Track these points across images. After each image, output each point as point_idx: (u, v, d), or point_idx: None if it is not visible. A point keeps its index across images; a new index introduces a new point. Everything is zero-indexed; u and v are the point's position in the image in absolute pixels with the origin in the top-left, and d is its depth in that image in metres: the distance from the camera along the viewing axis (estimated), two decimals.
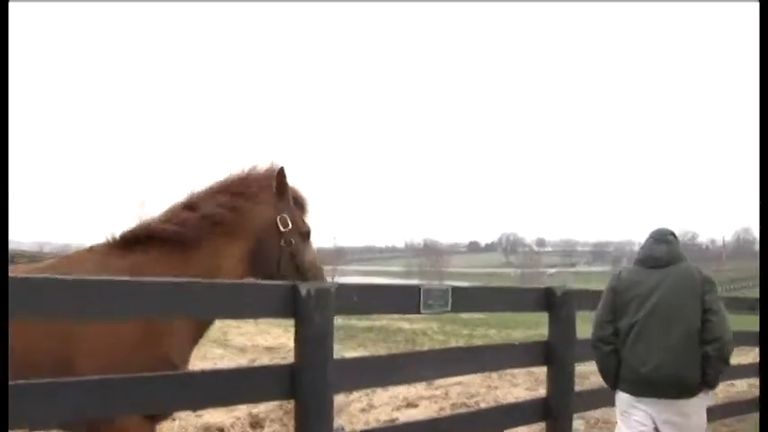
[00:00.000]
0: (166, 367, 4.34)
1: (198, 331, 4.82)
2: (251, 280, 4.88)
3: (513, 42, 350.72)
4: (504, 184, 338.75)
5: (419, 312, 5.16)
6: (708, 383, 5.45)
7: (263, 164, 5.16)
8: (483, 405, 9.86)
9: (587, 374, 12.53)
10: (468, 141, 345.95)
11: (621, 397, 5.68)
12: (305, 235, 5.20)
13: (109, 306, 3.72)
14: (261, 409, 9.18)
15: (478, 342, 17.20)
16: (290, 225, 5.04)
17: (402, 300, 5.25)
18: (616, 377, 5.68)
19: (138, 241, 4.79)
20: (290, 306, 4.36)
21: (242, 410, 9.02)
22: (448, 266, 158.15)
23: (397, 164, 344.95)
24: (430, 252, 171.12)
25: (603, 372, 5.81)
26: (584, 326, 6.31)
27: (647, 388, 5.46)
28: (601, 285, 7.11)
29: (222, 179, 5.09)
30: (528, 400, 7.53)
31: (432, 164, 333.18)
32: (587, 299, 7.44)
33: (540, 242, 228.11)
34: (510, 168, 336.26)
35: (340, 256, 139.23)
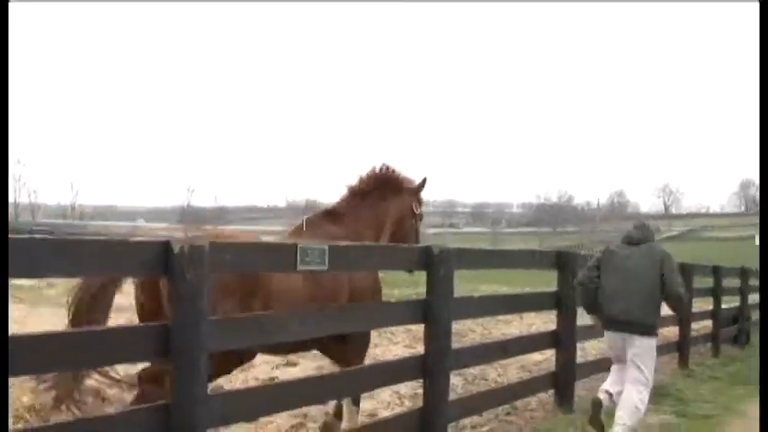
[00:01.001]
0: None
1: None
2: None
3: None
4: (387, 143, 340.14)
5: (296, 270, 5.12)
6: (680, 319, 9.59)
7: (397, 165, 7.76)
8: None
9: (465, 332, 12.77)
10: (352, 98, 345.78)
11: (607, 333, 8.06)
12: (421, 216, 7.93)
13: None
14: (138, 368, 9.01)
15: None
16: (417, 210, 7.85)
17: (278, 258, 5.19)
18: (593, 307, 8.10)
19: (336, 216, 7.43)
20: (162, 264, 4.27)
21: (119, 371, 8.83)
22: None
23: (279, 120, 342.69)
24: (311, 211, 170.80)
25: (586, 303, 8.19)
26: (463, 285, 6.41)
27: (622, 326, 7.80)
28: (480, 245, 7.61)
29: (376, 176, 7.61)
30: (405, 358, 7.59)
31: (312, 120, 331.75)
32: (465, 258, 7.54)
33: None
34: (392, 127, 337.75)
35: (221, 214, 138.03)
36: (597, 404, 7.72)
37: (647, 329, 7.75)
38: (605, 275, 7.93)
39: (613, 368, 8.11)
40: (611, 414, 7.72)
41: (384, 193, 7.60)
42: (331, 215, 7.50)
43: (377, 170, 7.65)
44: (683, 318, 9.02)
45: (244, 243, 5.23)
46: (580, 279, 8.18)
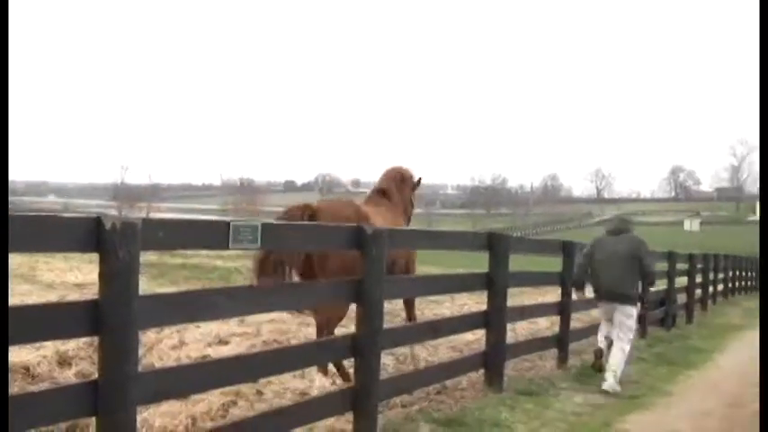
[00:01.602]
0: None
1: None
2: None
3: None
4: (322, 124, 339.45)
5: (228, 248, 5.12)
6: (643, 297, 11.97)
7: (404, 166, 10.72)
8: (295, 342, 9.92)
9: (397, 312, 12.82)
10: (289, 80, 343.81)
11: (600, 303, 10.53)
12: (413, 204, 10.66)
13: None
14: (70, 346, 8.93)
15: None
16: (414, 199, 10.66)
17: (210, 235, 5.18)
18: (582, 284, 10.91)
19: (373, 200, 10.04)
20: (93, 240, 4.24)
21: (49, 348, 8.75)
22: (264, 205, 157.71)
23: (215, 99, 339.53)
24: (246, 190, 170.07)
25: (577, 279, 10.89)
26: None
27: (608, 296, 10.30)
28: (414, 226, 7.72)
29: (401, 171, 10.53)
30: (337, 337, 7.62)
31: (248, 100, 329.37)
32: (398, 238, 7.59)
33: (356, 183, 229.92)
34: (327, 108, 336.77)
35: (156, 192, 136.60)
36: (599, 352, 10.28)
37: (630, 299, 10.26)
38: (596, 259, 10.36)
39: (603, 324, 10.63)
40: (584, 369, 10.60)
41: (403, 185, 10.43)
42: (382, 193, 10.21)
43: (401, 168, 10.63)
44: (652, 284, 12.08)
45: (176, 220, 5.21)
46: (579, 262, 10.68)
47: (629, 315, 10.22)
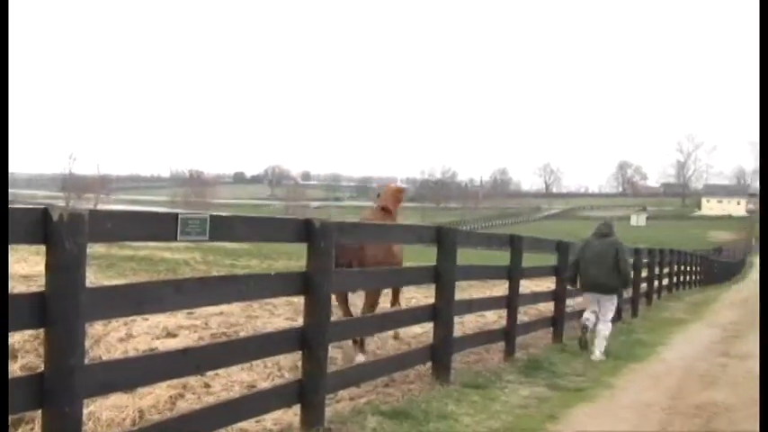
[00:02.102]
0: None
1: None
2: None
3: None
4: (271, 116, 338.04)
5: (176, 240, 5.12)
6: (623, 287, 13.34)
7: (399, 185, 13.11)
8: (243, 335, 9.92)
9: (351, 303, 12.86)
10: (238, 71, 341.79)
11: (585, 293, 12.76)
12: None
13: None
14: (15, 339, 8.86)
15: (240, 272, 17.21)
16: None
17: (159, 228, 5.16)
18: (575, 278, 12.68)
19: (384, 211, 11.26)
20: (40, 232, 4.22)
21: None
22: (213, 197, 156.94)
23: (164, 90, 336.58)
24: (195, 182, 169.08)
25: (571, 275, 12.74)
26: None
27: (593, 287, 12.44)
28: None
29: (393, 194, 11.95)
30: (284, 330, 7.64)
31: (197, 91, 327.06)
32: (346, 231, 7.61)
33: (306, 175, 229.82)
34: (276, 100, 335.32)
35: (104, 183, 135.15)
36: (585, 327, 12.25)
37: (611, 290, 12.58)
38: (585, 258, 12.47)
39: (589, 308, 12.58)
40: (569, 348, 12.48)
41: (397, 202, 12.01)
42: (386, 210, 11.36)
43: (398, 187, 12.55)
44: (628, 284, 13.99)
45: (124, 212, 5.20)
46: (573, 261, 12.79)
47: (611, 301, 12.73)
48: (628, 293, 17.66)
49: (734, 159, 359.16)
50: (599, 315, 12.35)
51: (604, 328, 12.30)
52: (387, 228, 9.62)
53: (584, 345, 12.19)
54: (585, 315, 12.50)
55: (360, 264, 9.58)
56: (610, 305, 12.64)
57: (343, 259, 9.25)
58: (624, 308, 18.06)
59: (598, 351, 11.98)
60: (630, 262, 14.03)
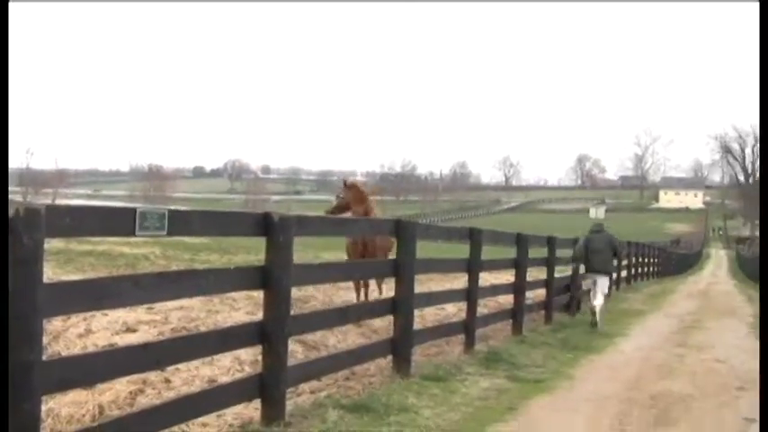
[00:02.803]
0: None
1: None
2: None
3: None
4: (230, 110, 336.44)
5: (135, 235, 5.09)
6: (616, 268, 21.34)
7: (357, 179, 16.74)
8: (203, 329, 9.88)
9: (307, 299, 12.86)
10: (197, 65, 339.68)
11: (589, 274, 16.64)
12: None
13: None
14: None
15: (200, 267, 17.17)
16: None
17: (117, 222, 5.13)
18: (581, 261, 16.82)
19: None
20: None
21: None
22: (173, 191, 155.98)
23: (123, 84, 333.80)
24: (154, 176, 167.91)
25: (579, 257, 16.79)
26: (305, 252, 6.51)
27: (597, 272, 16.34)
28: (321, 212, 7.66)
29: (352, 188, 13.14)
30: (244, 324, 7.62)
31: (156, 86, 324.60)
32: (306, 225, 7.61)
33: (266, 169, 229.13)
34: (235, 94, 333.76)
35: (62, 178, 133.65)
36: (594, 309, 15.75)
37: (608, 273, 16.96)
38: (589, 248, 16.38)
39: (592, 287, 16.44)
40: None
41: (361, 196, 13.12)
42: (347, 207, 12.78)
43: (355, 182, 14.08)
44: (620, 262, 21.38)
45: (82, 207, 5.16)
46: (580, 250, 16.62)
47: (607, 281, 16.80)
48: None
49: (691, 152, 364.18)
50: (598, 290, 16.02)
51: (603, 300, 16.02)
52: (346, 221, 9.64)
53: (595, 324, 15.45)
54: (593, 302, 16.01)
55: (372, 254, 12.21)
56: (606, 282, 16.72)
57: (368, 252, 11.87)
58: (583, 299, 18.25)
59: (600, 323, 15.49)
60: (624, 247, 22.38)
